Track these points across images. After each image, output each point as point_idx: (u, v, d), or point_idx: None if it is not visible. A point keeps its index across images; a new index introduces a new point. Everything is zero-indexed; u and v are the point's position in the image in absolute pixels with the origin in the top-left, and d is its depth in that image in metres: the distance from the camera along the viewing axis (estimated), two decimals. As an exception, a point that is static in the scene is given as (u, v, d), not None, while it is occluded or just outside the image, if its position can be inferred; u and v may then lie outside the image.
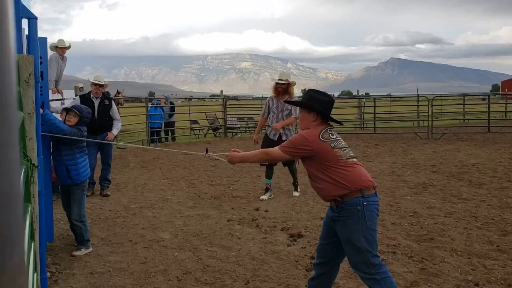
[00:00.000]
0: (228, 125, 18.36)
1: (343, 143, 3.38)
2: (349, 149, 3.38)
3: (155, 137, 16.01)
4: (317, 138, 3.29)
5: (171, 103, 18.31)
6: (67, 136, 4.83)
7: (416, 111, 19.98)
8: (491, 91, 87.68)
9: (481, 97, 27.40)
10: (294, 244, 5.20)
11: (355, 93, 59.15)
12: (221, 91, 21.48)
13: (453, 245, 4.98)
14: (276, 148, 3.47)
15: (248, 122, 20.49)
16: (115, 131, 7.96)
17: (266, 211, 6.59)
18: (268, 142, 7.11)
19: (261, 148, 6.14)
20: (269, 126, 7.44)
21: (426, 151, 12.44)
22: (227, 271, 4.46)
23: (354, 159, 3.34)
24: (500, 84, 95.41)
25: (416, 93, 24.09)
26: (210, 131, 19.24)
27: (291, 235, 5.49)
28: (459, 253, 4.77)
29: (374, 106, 18.60)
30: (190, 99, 30.94)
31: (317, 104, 3.42)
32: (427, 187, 7.99)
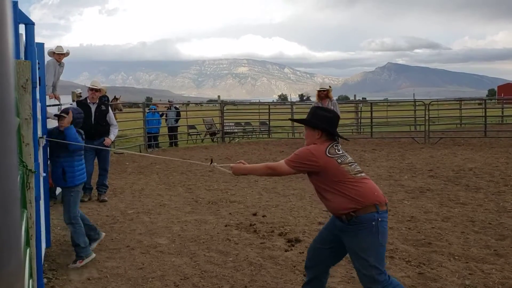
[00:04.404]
0: (225, 130, 18.36)
1: (350, 158, 3.38)
2: (356, 164, 3.37)
3: (152, 142, 16.00)
4: (324, 154, 3.28)
5: (176, 108, 18.40)
6: (65, 141, 4.81)
7: (413, 116, 20.01)
8: (487, 95, 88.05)
9: (477, 101, 27.45)
10: (291, 249, 5.20)
11: (352, 98, 59.20)
12: (219, 96, 21.51)
13: (451, 250, 4.99)
14: (282, 162, 3.44)
15: (246, 127, 20.50)
16: (112, 137, 7.97)
17: (263, 216, 6.59)
18: None
19: None
20: None
21: (423, 156, 12.46)
22: (225, 277, 4.45)
23: (362, 174, 3.33)
24: (496, 88, 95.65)
25: (413, 98, 24.14)
26: (208, 136, 19.24)
27: (288, 240, 5.48)
28: (456, 257, 4.77)
29: (371, 111, 18.63)
30: (187, 104, 30.97)
31: (321, 121, 3.41)
32: (424, 191, 8.00)
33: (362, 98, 36.47)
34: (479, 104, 25.04)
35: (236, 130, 19.57)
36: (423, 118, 16.50)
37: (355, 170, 3.29)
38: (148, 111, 16.78)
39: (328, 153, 3.29)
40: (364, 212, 3.16)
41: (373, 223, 3.14)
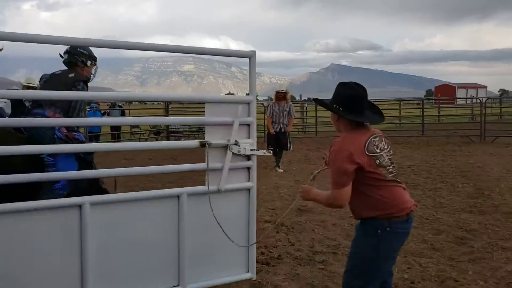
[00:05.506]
0: (170, 129, 18.06)
1: (387, 159, 2.78)
2: (392, 166, 2.82)
3: (94, 142, 15.48)
4: (362, 152, 2.68)
5: (120, 106, 17.90)
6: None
7: (355, 115, 20.54)
8: (425, 96, 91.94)
9: (416, 102, 28.66)
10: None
11: (298, 98, 59.98)
12: (163, 95, 21.16)
13: (391, 245, 5.13)
14: (334, 190, 2.73)
15: (192, 126, 20.27)
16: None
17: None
18: (274, 134, 10.37)
19: (269, 138, 10.50)
20: (274, 122, 10.43)
21: (365, 154, 12.79)
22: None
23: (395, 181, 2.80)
24: (433, 89, 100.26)
25: (355, 98, 24.74)
26: (152, 135, 18.86)
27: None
28: (396, 252, 4.91)
29: (316, 111, 18.96)
30: (130, 102, 30.18)
31: (338, 101, 2.79)
32: (366, 189, 8.20)
33: (308, 98, 37.06)
34: (417, 104, 26.08)
35: (181, 129, 19.30)
36: (365, 118, 16.96)
37: (389, 176, 2.77)
38: (88, 109, 16.21)
39: (367, 150, 2.69)
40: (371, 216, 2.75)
41: (378, 231, 2.71)
